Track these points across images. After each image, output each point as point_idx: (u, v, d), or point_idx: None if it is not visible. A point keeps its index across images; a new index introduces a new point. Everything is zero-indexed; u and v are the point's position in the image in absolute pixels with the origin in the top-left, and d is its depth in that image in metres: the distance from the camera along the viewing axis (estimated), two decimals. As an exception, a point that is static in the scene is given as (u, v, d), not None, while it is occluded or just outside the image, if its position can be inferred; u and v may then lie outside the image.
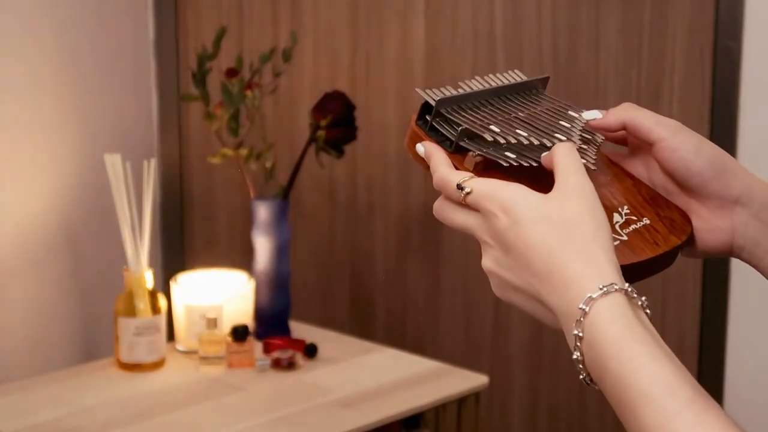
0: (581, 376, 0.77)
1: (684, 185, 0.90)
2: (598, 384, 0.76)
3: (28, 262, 2.16)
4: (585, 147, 0.89)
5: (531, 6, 2.25)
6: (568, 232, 0.79)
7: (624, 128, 0.91)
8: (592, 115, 0.91)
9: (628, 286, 0.77)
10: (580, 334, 0.76)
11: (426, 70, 2.34)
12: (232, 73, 2.08)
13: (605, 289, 0.75)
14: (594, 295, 0.75)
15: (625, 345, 0.73)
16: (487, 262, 0.83)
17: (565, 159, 0.83)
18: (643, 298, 0.77)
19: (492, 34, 2.28)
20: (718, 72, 2.13)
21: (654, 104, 2.20)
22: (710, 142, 0.90)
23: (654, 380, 0.71)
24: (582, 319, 0.75)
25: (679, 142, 0.89)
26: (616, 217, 0.88)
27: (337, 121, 2.08)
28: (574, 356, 0.76)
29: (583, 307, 0.75)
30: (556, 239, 0.78)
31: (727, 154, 0.90)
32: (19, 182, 2.14)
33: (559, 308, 0.78)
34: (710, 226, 0.90)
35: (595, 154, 0.89)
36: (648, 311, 0.77)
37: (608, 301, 0.75)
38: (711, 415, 0.70)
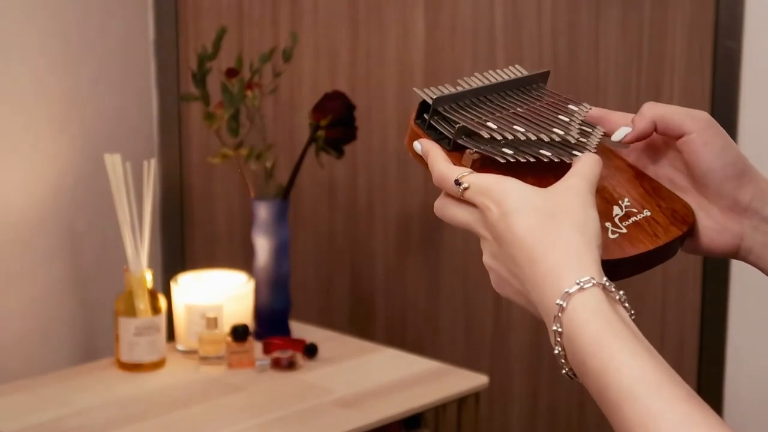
0: (564, 371, 0.77)
1: (700, 180, 0.89)
2: (581, 379, 0.75)
3: (28, 262, 2.16)
4: (584, 140, 0.88)
5: (531, 6, 2.25)
6: (552, 222, 0.78)
7: (655, 128, 0.90)
8: (622, 133, 0.90)
9: (606, 280, 0.76)
10: (559, 330, 0.75)
11: (426, 70, 2.34)
12: (232, 73, 2.08)
13: (581, 284, 0.75)
14: (570, 290, 0.75)
15: (605, 342, 0.73)
16: (486, 256, 0.83)
17: (581, 164, 0.83)
18: (621, 293, 0.77)
19: (492, 34, 2.28)
20: (718, 72, 2.13)
21: (654, 104, 2.20)
22: (734, 143, 0.89)
23: (636, 378, 0.71)
24: (560, 314, 0.75)
25: (709, 136, 0.88)
26: (616, 209, 0.87)
27: (337, 121, 2.08)
28: (556, 351, 0.76)
29: (560, 302, 0.75)
30: (540, 229, 0.78)
31: (747, 158, 0.90)
32: (19, 182, 2.14)
33: (539, 302, 0.78)
34: (719, 226, 0.90)
35: (595, 148, 0.88)
36: (627, 305, 0.77)
37: (585, 296, 0.75)
38: (695, 412, 0.69)
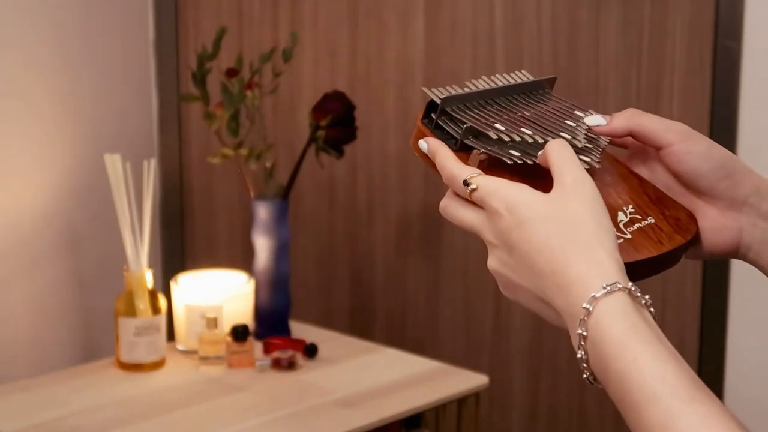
0: (585, 375, 0.77)
1: (692, 187, 0.90)
2: (602, 383, 0.76)
3: (28, 262, 2.16)
4: (590, 146, 0.89)
5: (531, 6, 2.25)
6: (570, 231, 0.79)
7: (631, 135, 0.90)
8: (595, 121, 0.91)
9: (632, 285, 0.77)
10: (584, 333, 0.76)
11: (426, 70, 2.34)
12: (232, 73, 2.08)
13: (608, 288, 0.76)
14: (597, 294, 0.75)
15: (629, 344, 0.74)
16: (493, 262, 0.83)
17: (559, 156, 0.83)
18: (647, 297, 0.77)
19: (492, 34, 2.28)
20: (718, 72, 2.13)
21: (654, 103, 2.20)
22: (718, 145, 0.90)
23: (658, 380, 0.72)
24: (586, 318, 0.76)
25: (689, 146, 0.89)
26: (621, 216, 0.88)
27: (337, 121, 2.08)
28: (579, 355, 0.76)
29: (587, 306, 0.76)
30: (559, 239, 0.79)
31: (735, 156, 0.90)
32: (19, 182, 2.14)
33: (563, 308, 0.78)
34: (717, 225, 0.90)
35: (600, 153, 0.89)
36: (652, 309, 0.78)
37: (612, 300, 0.75)
38: (714, 414, 0.70)
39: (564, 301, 0.78)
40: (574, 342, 0.77)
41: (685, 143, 0.89)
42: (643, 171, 0.93)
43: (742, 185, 0.89)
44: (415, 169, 2.35)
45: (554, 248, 0.78)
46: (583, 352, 0.76)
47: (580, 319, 0.76)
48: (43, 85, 2.16)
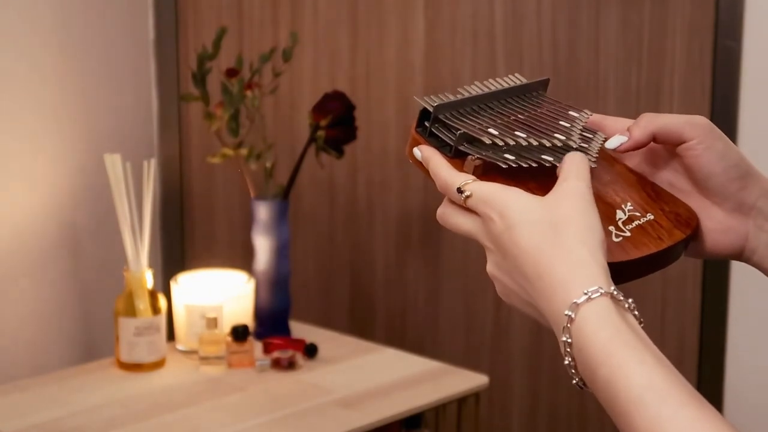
0: (574, 381, 0.77)
1: (701, 185, 0.90)
2: (591, 389, 0.75)
3: (29, 263, 2.16)
4: (585, 146, 0.88)
5: (531, 6, 2.25)
6: (556, 234, 0.78)
7: (653, 140, 0.89)
8: (616, 141, 0.89)
9: (614, 289, 0.76)
10: (569, 340, 0.75)
11: (426, 70, 2.34)
12: (232, 73, 2.08)
13: (589, 293, 0.75)
14: (579, 301, 0.75)
15: (614, 350, 0.73)
16: (490, 267, 0.83)
17: (571, 164, 0.83)
18: (630, 300, 0.77)
19: (492, 34, 2.28)
20: (718, 72, 2.13)
21: (654, 104, 2.20)
22: (734, 145, 0.89)
23: (645, 386, 0.71)
24: (569, 325, 0.75)
25: (710, 141, 0.88)
26: (619, 213, 0.88)
27: (337, 121, 2.08)
28: (566, 361, 0.76)
29: (569, 313, 0.75)
30: (545, 242, 0.78)
31: (747, 158, 0.90)
32: (19, 182, 2.14)
33: (548, 313, 0.78)
34: (722, 227, 0.90)
35: (597, 153, 0.89)
36: (636, 313, 0.77)
37: (593, 306, 0.75)
38: (704, 418, 0.69)
39: (549, 307, 0.77)
40: (561, 348, 0.76)
41: (706, 138, 0.88)
42: (647, 168, 0.93)
43: (752, 188, 0.89)
44: (415, 169, 2.34)
45: (540, 251, 0.78)
46: (570, 359, 0.76)
47: (564, 326, 0.75)
48: (43, 85, 2.16)
